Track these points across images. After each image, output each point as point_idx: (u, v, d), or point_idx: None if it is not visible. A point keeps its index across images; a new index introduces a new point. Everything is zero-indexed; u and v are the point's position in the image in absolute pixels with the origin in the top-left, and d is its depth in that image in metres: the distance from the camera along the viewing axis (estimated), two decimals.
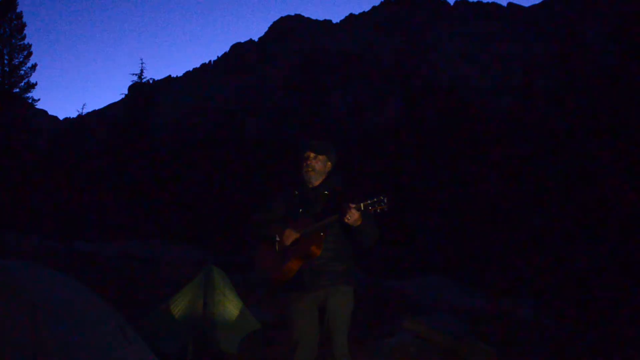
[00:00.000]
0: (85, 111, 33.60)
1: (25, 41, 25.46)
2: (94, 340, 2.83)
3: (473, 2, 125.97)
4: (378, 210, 2.78)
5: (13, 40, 25.01)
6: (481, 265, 18.57)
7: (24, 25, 25.53)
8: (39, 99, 33.14)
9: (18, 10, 25.39)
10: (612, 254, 16.05)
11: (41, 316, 2.56)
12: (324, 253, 2.96)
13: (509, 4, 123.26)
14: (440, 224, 22.13)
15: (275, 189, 3.43)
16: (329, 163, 3.18)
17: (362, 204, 2.79)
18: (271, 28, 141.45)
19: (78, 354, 2.63)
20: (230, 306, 5.76)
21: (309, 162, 3.12)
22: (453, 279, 13.90)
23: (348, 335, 3.02)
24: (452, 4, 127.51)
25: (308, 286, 3.01)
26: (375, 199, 2.77)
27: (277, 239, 3.04)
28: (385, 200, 2.76)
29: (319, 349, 3.07)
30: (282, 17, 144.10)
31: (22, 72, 25.15)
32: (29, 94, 25.66)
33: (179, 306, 5.65)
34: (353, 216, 2.79)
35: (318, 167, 3.13)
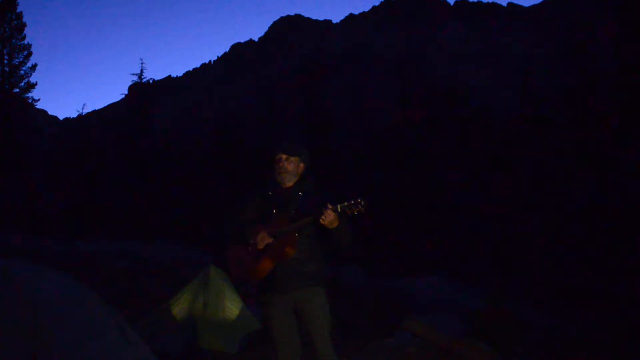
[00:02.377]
0: (85, 111, 33.50)
1: (25, 41, 25.47)
2: (94, 340, 2.82)
3: (473, 1, 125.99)
4: (355, 213, 2.77)
5: (13, 40, 25.01)
6: (481, 265, 18.57)
7: (24, 25, 25.53)
8: (39, 99, 33.13)
9: (18, 10, 25.40)
10: (613, 254, 16.05)
11: (41, 316, 2.56)
12: (298, 254, 2.95)
13: (509, 4, 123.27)
14: (441, 224, 22.13)
15: (249, 190, 3.43)
16: (302, 164, 3.17)
17: (339, 206, 2.78)
18: (271, 28, 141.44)
19: (78, 354, 2.62)
20: (231, 306, 5.76)
21: (281, 164, 3.12)
22: (453, 279, 13.89)
23: (337, 335, 3.01)
24: (452, 3, 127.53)
25: (280, 288, 2.99)
26: (352, 201, 2.76)
27: (251, 241, 3.01)
28: (363, 203, 2.75)
29: (304, 349, 3.05)
30: (282, 17, 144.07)
31: (22, 72, 25.16)
32: (29, 94, 25.68)
33: (179, 306, 5.65)
34: (329, 217, 2.77)
35: (290, 168, 3.12)
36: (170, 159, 30.17)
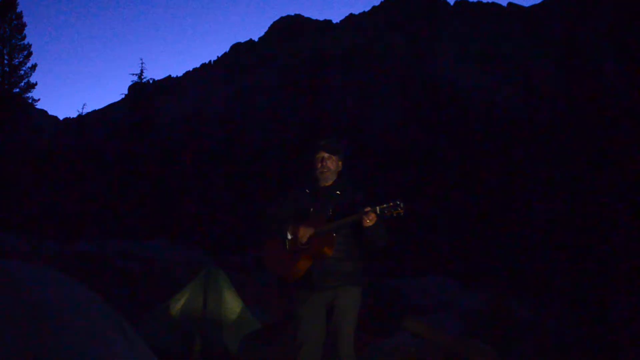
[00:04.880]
0: (85, 111, 33.49)
1: (25, 41, 25.49)
2: (95, 341, 2.82)
3: (473, 2, 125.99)
4: (394, 215, 2.79)
5: (13, 40, 25.01)
6: (481, 265, 18.56)
7: (24, 25, 25.53)
8: (39, 99, 33.14)
9: (18, 10, 25.39)
10: (613, 254, 16.05)
11: (41, 316, 2.56)
12: (334, 253, 2.96)
13: (509, 4, 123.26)
14: (440, 224, 22.12)
15: (282, 188, 3.44)
16: (340, 162, 3.19)
17: (378, 208, 2.80)
18: (271, 28, 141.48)
19: (78, 354, 2.62)
20: (230, 306, 5.76)
21: (324, 163, 3.12)
22: (453, 279, 13.88)
23: (354, 336, 3.01)
24: (452, 4, 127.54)
25: (317, 286, 3.00)
26: (391, 203, 2.79)
27: (289, 237, 3.02)
28: (402, 205, 2.77)
29: (323, 349, 3.06)
30: (282, 17, 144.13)
31: (22, 72, 25.17)
32: (29, 94, 25.69)
33: (179, 306, 5.65)
34: (373, 220, 2.80)
35: (333, 166, 3.14)
36: (171, 158, 30.15)
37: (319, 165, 3.13)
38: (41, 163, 28.87)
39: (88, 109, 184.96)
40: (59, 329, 2.62)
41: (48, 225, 23.35)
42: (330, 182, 3.15)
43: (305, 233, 2.96)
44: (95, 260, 11.05)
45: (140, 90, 29.53)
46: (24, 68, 25.18)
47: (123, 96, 39.57)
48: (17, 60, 25.03)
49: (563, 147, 20.98)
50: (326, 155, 3.13)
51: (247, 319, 5.81)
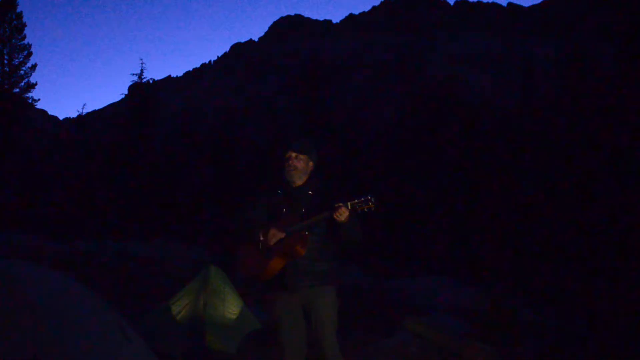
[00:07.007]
0: (85, 111, 33.48)
1: (25, 41, 25.48)
2: (94, 340, 2.82)
3: (473, 2, 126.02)
4: (365, 210, 2.78)
5: (13, 40, 25.01)
6: (481, 265, 18.56)
7: (24, 25, 25.53)
8: (39, 99, 33.20)
9: (18, 10, 25.39)
10: (613, 255, 16.05)
11: (41, 316, 2.56)
12: (308, 253, 2.94)
13: (509, 4, 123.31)
14: (440, 224, 22.13)
15: (257, 189, 3.43)
16: (311, 163, 3.17)
17: (349, 203, 2.79)
18: (271, 28, 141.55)
19: (78, 354, 2.62)
20: (231, 306, 5.76)
21: (291, 162, 3.11)
22: (453, 279, 13.88)
23: (337, 335, 3.01)
24: (452, 4, 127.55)
25: (291, 286, 2.98)
26: (362, 199, 2.78)
27: (261, 238, 3.00)
28: (372, 200, 2.77)
29: (308, 349, 3.05)
30: (282, 17, 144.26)
31: (22, 72, 25.15)
32: (29, 94, 25.68)
33: (179, 306, 5.65)
34: (343, 214, 2.78)
35: (300, 166, 3.11)
36: (170, 158, 30.16)
37: (287, 164, 3.13)
38: (41, 163, 28.89)
39: (88, 109, 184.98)
40: (58, 328, 2.62)
41: (48, 225, 23.36)
42: (300, 182, 3.12)
43: (274, 235, 2.94)
44: (95, 260, 11.06)
45: (140, 90, 29.51)
46: (24, 68, 25.18)
47: (123, 96, 39.57)
48: (17, 60, 25.02)
49: (563, 147, 20.99)
50: (294, 154, 3.11)
51: (247, 319, 5.81)
